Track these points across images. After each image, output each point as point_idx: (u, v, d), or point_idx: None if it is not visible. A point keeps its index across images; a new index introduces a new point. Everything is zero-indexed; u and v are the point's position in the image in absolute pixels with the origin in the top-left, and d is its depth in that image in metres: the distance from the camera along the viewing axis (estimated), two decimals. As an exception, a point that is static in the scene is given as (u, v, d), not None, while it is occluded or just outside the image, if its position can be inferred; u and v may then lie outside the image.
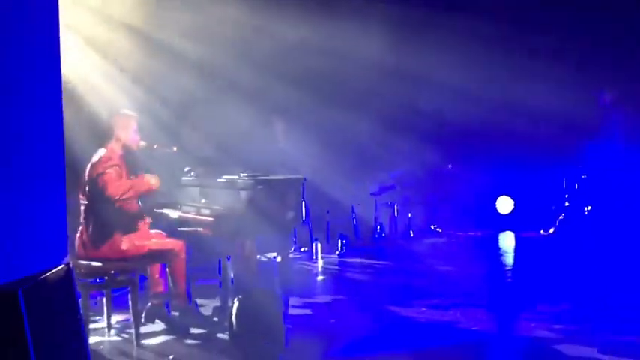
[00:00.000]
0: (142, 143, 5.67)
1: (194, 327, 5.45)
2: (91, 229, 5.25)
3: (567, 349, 4.78)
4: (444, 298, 6.37)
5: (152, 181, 5.47)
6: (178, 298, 5.50)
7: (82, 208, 5.37)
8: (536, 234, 10.55)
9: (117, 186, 5.24)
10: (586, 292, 6.48)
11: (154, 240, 5.43)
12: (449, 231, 10.56)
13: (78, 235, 5.33)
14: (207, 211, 5.63)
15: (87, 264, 5.16)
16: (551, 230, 10.29)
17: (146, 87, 9.10)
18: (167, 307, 5.63)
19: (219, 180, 5.93)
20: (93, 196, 5.25)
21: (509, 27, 10.50)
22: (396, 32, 10.69)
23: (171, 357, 4.84)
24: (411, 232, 10.56)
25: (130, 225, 5.36)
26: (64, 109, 3.71)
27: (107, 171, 5.20)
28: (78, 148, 5.74)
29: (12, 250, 3.01)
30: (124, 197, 5.27)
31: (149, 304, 5.57)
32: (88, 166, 5.33)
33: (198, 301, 5.95)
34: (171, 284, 5.51)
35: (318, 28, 10.26)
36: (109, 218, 5.25)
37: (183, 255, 5.43)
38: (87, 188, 5.30)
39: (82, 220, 5.34)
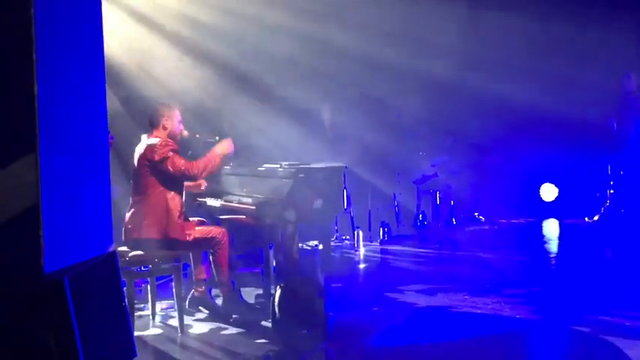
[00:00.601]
0: (185, 132, 5.72)
1: (237, 314, 5.48)
2: (141, 212, 5.31)
3: (617, 341, 4.70)
4: (486, 286, 6.32)
5: (223, 149, 5.54)
6: (221, 285, 5.54)
7: (132, 191, 5.45)
8: (580, 221, 10.39)
9: (191, 165, 5.35)
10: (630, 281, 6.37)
11: (197, 228, 5.47)
12: (492, 219, 10.44)
13: (127, 219, 5.40)
14: (248, 200, 5.65)
15: (132, 253, 5.22)
16: (596, 218, 10.12)
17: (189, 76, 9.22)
18: (210, 295, 5.68)
19: (260, 169, 5.95)
20: (158, 179, 5.32)
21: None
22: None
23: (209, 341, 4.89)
24: (454, 219, 10.47)
25: (181, 212, 5.43)
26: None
27: (169, 154, 5.28)
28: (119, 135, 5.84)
29: (58, 238, 3.05)
30: (203, 174, 5.42)
31: (192, 292, 5.63)
32: (140, 153, 5.40)
33: (242, 289, 5.98)
34: (214, 272, 5.55)
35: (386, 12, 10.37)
36: (162, 204, 5.31)
37: (225, 243, 5.46)
38: (139, 170, 5.38)
39: (131, 203, 5.42)
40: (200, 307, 5.61)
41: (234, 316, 5.48)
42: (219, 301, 5.63)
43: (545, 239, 9.56)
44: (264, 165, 5.97)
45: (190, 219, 5.56)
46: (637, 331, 4.81)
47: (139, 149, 5.42)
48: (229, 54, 9.40)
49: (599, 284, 6.28)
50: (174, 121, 5.49)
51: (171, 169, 5.27)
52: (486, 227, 10.27)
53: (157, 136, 5.42)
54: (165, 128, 5.46)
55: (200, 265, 5.70)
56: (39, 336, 2.90)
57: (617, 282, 6.36)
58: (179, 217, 5.36)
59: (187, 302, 5.54)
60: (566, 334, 4.94)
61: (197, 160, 5.48)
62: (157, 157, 5.28)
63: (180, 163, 5.29)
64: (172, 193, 5.36)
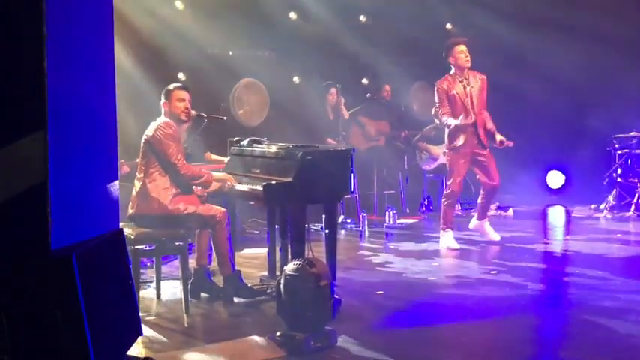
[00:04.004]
0: (193, 112, 5.72)
1: (239, 296, 5.49)
2: (146, 186, 5.35)
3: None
4: (486, 270, 6.32)
5: (220, 178, 5.67)
6: (221, 266, 5.54)
7: (138, 167, 5.50)
8: (587, 209, 10.37)
9: (191, 168, 5.46)
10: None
11: (200, 207, 5.48)
12: (502, 205, 10.42)
13: (132, 196, 5.44)
14: (256, 181, 5.64)
15: (138, 230, 5.23)
16: (603, 206, 10.11)
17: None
18: (209, 277, 5.68)
19: (268, 150, 5.94)
20: (155, 158, 5.38)
21: None
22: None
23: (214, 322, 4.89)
24: (459, 205, 10.44)
25: (187, 187, 5.47)
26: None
27: (169, 142, 5.34)
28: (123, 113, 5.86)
29: (66, 215, 3.05)
30: (191, 180, 5.46)
31: (192, 278, 5.62)
32: (147, 133, 5.47)
33: (247, 270, 5.99)
34: (215, 252, 5.55)
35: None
36: (163, 181, 5.37)
37: (225, 223, 5.48)
38: (144, 150, 5.44)
39: (137, 179, 5.47)
40: (202, 293, 5.62)
41: (237, 298, 5.48)
42: (220, 283, 5.63)
43: (550, 226, 9.57)
44: (272, 146, 5.96)
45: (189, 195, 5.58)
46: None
47: (148, 131, 5.50)
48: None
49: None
50: (172, 101, 5.55)
51: (164, 155, 5.35)
52: (493, 213, 10.24)
53: (160, 120, 5.51)
54: (165, 112, 5.56)
55: (204, 249, 5.72)
56: (46, 312, 2.90)
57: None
58: (178, 192, 5.41)
59: (189, 290, 5.54)
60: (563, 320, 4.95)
61: (195, 166, 5.62)
62: (157, 137, 5.37)
63: (175, 154, 5.36)
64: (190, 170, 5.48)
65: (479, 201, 7.96)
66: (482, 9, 10.63)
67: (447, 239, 7.62)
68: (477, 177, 7.87)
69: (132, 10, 8.40)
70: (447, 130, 7.69)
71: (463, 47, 7.56)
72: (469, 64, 7.55)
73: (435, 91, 7.66)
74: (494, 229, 8.01)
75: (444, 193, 7.91)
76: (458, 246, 7.58)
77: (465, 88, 7.52)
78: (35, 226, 2.92)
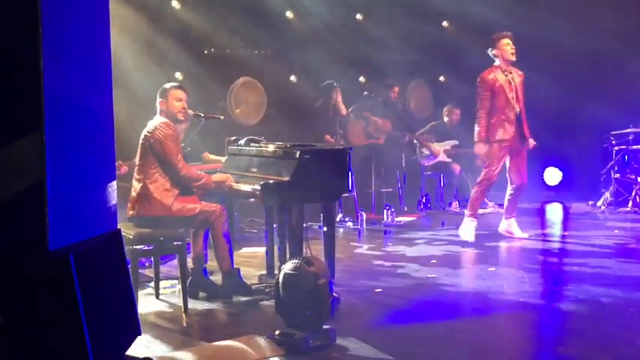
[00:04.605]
0: (190, 111, 5.72)
1: (238, 294, 5.49)
2: (145, 187, 5.34)
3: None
4: (484, 267, 6.33)
5: (219, 179, 5.66)
6: (219, 260, 5.52)
7: (137, 167, 5.49)
8: (585, 205, 10.38)
9: (190, 169, 5.49)
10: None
11: (201, 205, 5.48)
12: (500, 202, 10.42)
13: (131, 197, 5.43)
14: (253, 180, 5.64)
15: (136, 231, 5.23)
16: (600, 202, 10.12)
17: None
18: (205, 275, 5.66)
19: (265, 149, 5.94)
20: (155, 159, 5.38)
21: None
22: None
23: (213, 321, 4.89)
24: (457, 203, 10.46)
25: (187, 187, 5.46)
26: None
27: (169, 143, 5.34)
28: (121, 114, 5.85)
29: (63, 215, 3.04)
30: (190, 181, 5.45)
31: (190, 278, 5.61)
32: (145, 133, 5.46)
33: (245, 269, 5.99)
34: (214, 247, 5.53)
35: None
36: (162, 182, 5.36)
37: (224, 218, 5.48)
38: (142, 151, 5.43)
39: (135, 179, 5.45)
40: (200, 292, 5.61)
41: (237, 296, 5.48)
42: (219, 280, 5.63)
43: (548, 223, 9.57)
44: (270, 145, 5.95)
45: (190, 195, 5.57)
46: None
47: (145, 131, 5.49)
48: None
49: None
50: (169, 101, 5.54)
51: (165, 155, 5.35)
52: (489, 210, 10.26)
53: (159, 119, 5.50)
54: (162, 110, 5.54)
55: (200, 250, 5.70)
56: (44, 313, 2.89)
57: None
58: (178, 193, 5.39)
59: (188, 290, 5.53)
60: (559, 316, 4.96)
61: (194, 167, 5.66)
62: (157, 137, 5.36)
63: (175, 155, 5.37)
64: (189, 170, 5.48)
65: (507, 198, 7.94)
66: (480, 3, 10.64)
67: (468, 229, 7.69)
68: (507, 172, 7.83)
69: (129, 9, 8.40)
70: (476, 126, 7.65)
71: (509, 40, 7.58)
72: (514, 58, 7.58)
73: (478, 83, 7.63)
74: (493, 226, 8.02)
75: (478, 179, 7.91)
76: (472, 239, 7.62)
77: (509, 82, 7.55)
78: (32, 226, 2.90)
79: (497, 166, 7.63)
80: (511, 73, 7.64)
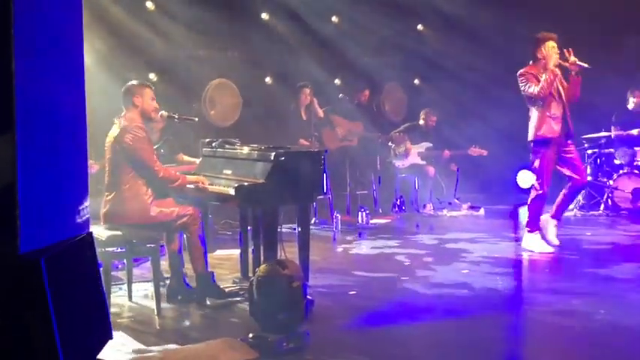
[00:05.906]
0: (164, 113, 5.66)
1: (211, 297, 5.45)
2: (119, 195, 5.27)
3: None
4: (458, 270, 6.36)
5: (194, 181, 5.59)
6: (194, 261, 5.48)
7: (107, 175, 5.38)
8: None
9: (167, 170, 5.42)
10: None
11: (171, 209, 5.42)
12: (474, 205, 10.50)
13: (103, 202, 5.34)
14: (228, 182, 5.62)
15: (109, 233, 5.16)
16: (572, 205, 10.19)
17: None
18: (185, 282, 5.61)
19: (240, 151, 5.92)
20: (129, 164, 5.28)
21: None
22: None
23: (187, 323, 4.88)
24: (432, 205, 10.51)
25: (162, 190, 5.42)
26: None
27: (144, 147, 5.26)
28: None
29: (34, 218, 3.01)
30: (166, 181, 5.39)
31: (168, 283, 5.56)
32: (113, 136, 5.33)
33: (219, 271, 5.96)
34: (189, 248, 5.50)
35: None
36: (137, 187, 5.28)
37: (199, 220, 5.46)
38: (113, 155, 5.32)
39: (107, 186, 5.36)
40: (179, 296, 5.55)
41: (210, 299, 5.45)
42: (193, 283, 5.59)
43: (521, 226, 9.63)
44: (245, 147, 5.94)
45: (165, 199, 5.53)
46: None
47: (112, 133, 5.36)
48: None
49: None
50: (145, 98, 5.41)
51: (141, 160, 5.26)
52: (464, 213, 10.31)
53: (130, 118, 5.34)
54: (136, 106, 5.38)
55: (175, 252, 5.66)
56: (14, 318, 2.86)
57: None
58: (154, 197, 5.34)
59: (166, 295, 5.49)
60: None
61: (169, 168, 5.59)
62: (129, 142, 5.23)
63: (151, 158, 5.30)
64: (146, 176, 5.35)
65: (560, 197, 7.57)
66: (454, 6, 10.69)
67: (538, 241, 7.33)
68: (565, 173, 7.45)
69: (102, 10, 8.33)
70: (531, 124, 7.36)
71: (554, 43, 7.23)
72: (558, 61, 7.18)
73: (521, 74, 7.23)
74: (467, 228, 8.04)
75: (535, 194, 7.52)
76: (552, 249, 7.31)
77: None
78: (3, 229, 2.87)
79: (548, 174, 7.40)
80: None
